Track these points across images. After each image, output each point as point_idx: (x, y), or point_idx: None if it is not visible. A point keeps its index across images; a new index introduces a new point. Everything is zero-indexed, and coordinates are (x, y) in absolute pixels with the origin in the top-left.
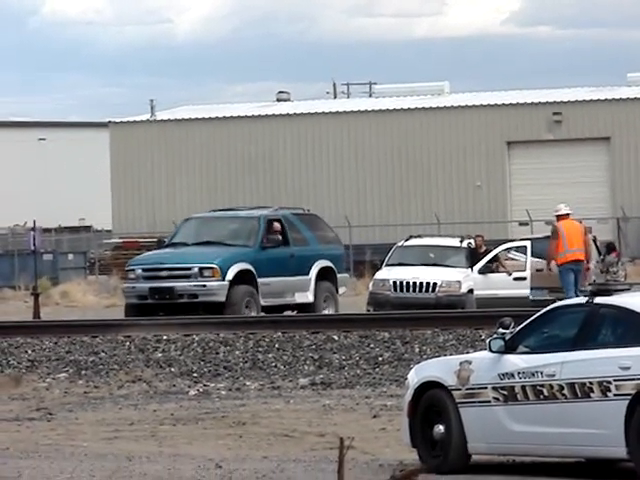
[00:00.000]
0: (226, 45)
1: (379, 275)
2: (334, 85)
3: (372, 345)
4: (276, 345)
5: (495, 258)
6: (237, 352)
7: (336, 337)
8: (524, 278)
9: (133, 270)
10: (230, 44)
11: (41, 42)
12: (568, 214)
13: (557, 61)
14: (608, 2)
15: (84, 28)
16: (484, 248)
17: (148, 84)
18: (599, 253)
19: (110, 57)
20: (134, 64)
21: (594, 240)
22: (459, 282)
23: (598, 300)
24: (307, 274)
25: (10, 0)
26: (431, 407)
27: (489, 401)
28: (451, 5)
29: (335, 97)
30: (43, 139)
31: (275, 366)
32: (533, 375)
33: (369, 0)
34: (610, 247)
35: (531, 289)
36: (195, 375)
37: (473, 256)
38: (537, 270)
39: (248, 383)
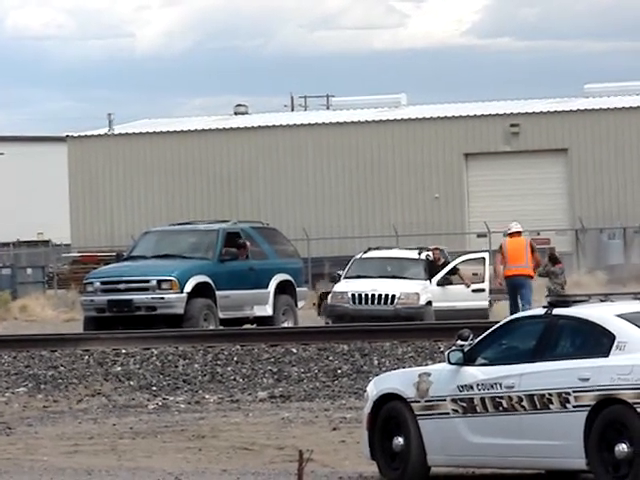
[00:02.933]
0: (186, 59)
1: (337, 287)
2: (292, 98)
3: (331, 358)
4: (235, 358)
5: (453, 270)
6: (196, 365)
7: (295, 350)
8: (483, 290)
9: (91, 283)
10: (190, 58)
11: (1, 56)
12: (519, 232)
13: (516, 72)
14: (567, 14)
15: (44, 43)
16: (442, 260)
17: (107, 98)
18: (553, 264)
19: (70, 71)
20: (94, 78)
21: (553, 250)
22: (417, 294)
23: (557, 311)
24: (266, 287)
25: None
26: (390, 419)
27: (448, 413)
28: (413, 17)
29: (293, 110)
30: (1, 153)
31: (234, 379)
32: (492, 387)
33: (330, 13)
34: (553, 258)
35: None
36: (154, 389)
37: (431, 269)
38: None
39: (207, 396)
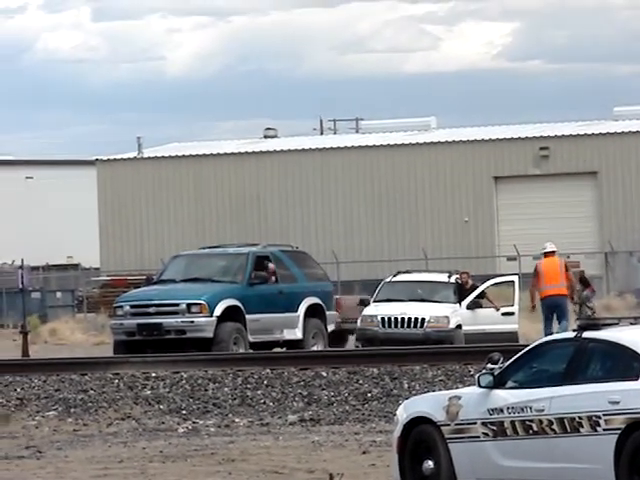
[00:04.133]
0: (217, 82)
1: (367, 311)
2: (321, 121)
3: (361, 381)
4: (265, 382)
5: (482, 294)
6: (226, 389)
7: (325, 373)
8: (512, 313)
9: (121, 307)
10: (221, 81)
11: (31, 79)
12: (553, 252)
13: (546, 95)
14: (597, 37)
15: (75, 66)
16: (470, 283)
17: (137, 121)
18: (584, 287)
19: (100, 94)
20: (125, 101)
21: (582, 274)
22: (447, 317)
23: (586, 334)
24: (296, 311)
25: (5, 36)
26: (420, 443)
27: (478, 436)
28: (445, 40)
29: (322, 133)
30: (30, 177)
31: (264, 403)
32: (522, 410)
33: (361, 36)
34: (584, 281)
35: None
36: (184, 412)
37: (460, 292)
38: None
39: (237, 420)
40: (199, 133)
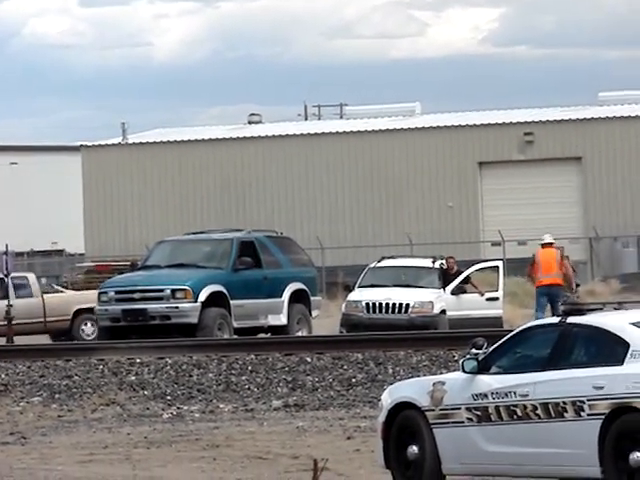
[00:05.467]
0: (204, 68)
1: (352, 297)
2: (305, 107)
3: (345, 367)
4: (249, 367)
5: (467, 279)
6: (210, 375)
7: (309, 359)
8: (497, 298)
9: (106, 293)
10: (208, 67)
11: (17, 65)
12: (551, 243)
13: (531, 81)
14: (583, 22)
15: (62, 51)
16: (455, 269)
17: (124, 107)
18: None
19: (87, 80)
20: (111, 87)
21: (567, 259)
22: (432, 303)
23: (571, 319)
24: (280, 296)
25: None
26: (405, 428)
27: (463, 422)
28: (432, 25)
29: (306, 119)
30: (15, 163)
31: (248, 388)
32: (506, 395)
33: (349, 22)
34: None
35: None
36: (168, 398)
37: (445, 277)
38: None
39: (221, 405)
40: (186, 119)
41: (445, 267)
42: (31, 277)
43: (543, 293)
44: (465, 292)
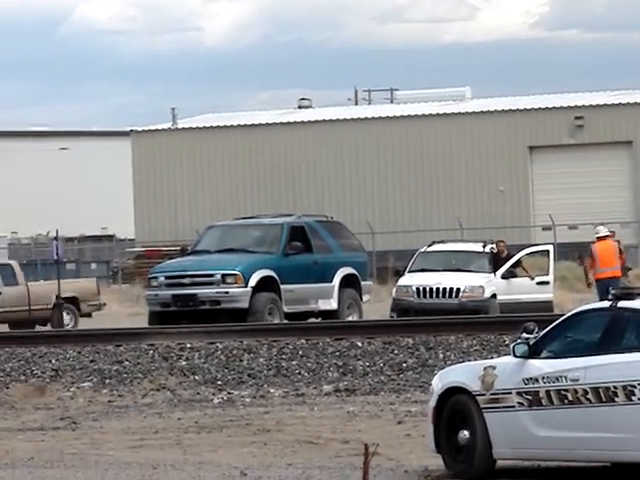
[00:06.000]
0: (255, 52)
1: (402, 281)
2: (355, 92)
3: (396, 351)
4: (300, 352)
5: (518, 263)
6: (261, 359)
7: (360, 344)
8: (547, 282)
9: (156, 278)
10: (259, 51)
11: (67, 50)
12: (606, 236)
13: (582, 65)
14: (635, 5)
15: (111, 37)
16: (506, 253)
17: (174, 92)
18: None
19: (137, 65)
20: (161, 72)
21: (618, 244)
22: (482, 287)
23: (622, 304)
24: (331, 281)
25: (41, 7)
26: (456, 413)
27: (513, 406)
28: (482, 10)
29: (356, 104)
30: (65, 148)
31: (299, 373)
32: (557, 380)
33: (400, 6)
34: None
35: None
36: (219, 383)
37: (495, 262)
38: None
39: (272, 390)
40: (236, 104)
41: (495, 251)
42: (15, 265)
43: (604, 286)
44: (516, 276)
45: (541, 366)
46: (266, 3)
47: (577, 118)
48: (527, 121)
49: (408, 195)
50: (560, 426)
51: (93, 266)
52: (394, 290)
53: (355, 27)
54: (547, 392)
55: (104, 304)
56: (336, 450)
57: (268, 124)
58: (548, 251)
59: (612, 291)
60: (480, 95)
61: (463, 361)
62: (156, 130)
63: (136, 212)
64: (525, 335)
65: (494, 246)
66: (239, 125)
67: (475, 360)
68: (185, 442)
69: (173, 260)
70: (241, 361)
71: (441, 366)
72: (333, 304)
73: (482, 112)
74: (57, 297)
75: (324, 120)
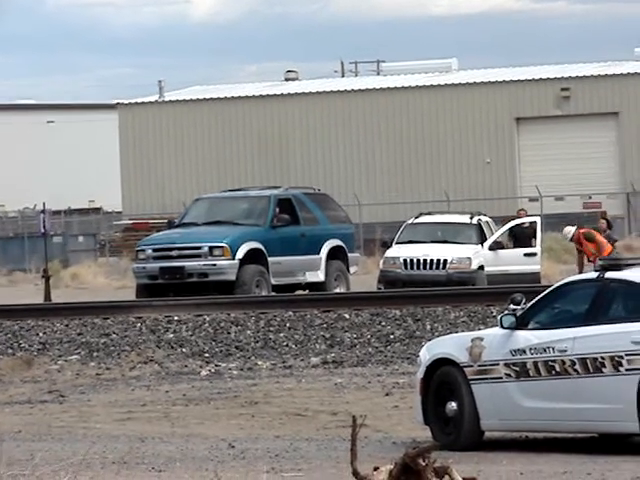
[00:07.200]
0: (241, 25)
1: (389, 253)
2: (342, 64)
3: (383, 323)
4: (287, 324)
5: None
6: (248, 332)
7: (347, 315)
8: (534, 254)
9: (143, 250)
10: (246, 24)
11: (54, 23)
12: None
13: (568, 36)
14: None
15: (99, 9)
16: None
17: (161, 65)
18: (610, 227)
19: (124, 38)
20: (148, 45)
21: (605, 214)
22: (469, 259)
23: (609, 275)
24: (318, 253)
25: None
26: (443, 384)
27: (501, 377)
28: None
29: (343, 76)
30: (52, 121)
31: (286, 345)
32: (545, 351)
33: None
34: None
35: None
36: (207, 355)
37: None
38: None
39: (260, 363)
40: (223, 77)
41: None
42: None
43: None
44: (503, 247)
45: (528, 337)
46: None
47: (563, 89)
48: (514, 92)
49: (395, 167)
50: (548, 397)
51: (80, 239)
52: (381, 262)
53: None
54: (535, 363)
55: None
56: (324, 422)
57: (255, 96)
58: (535, 222)
59: (599, 262)
60: (467, 67)
61: (450, 333)
62: (143, 103)
63: (123, 185)
64: (512, 306)
65: (481, 217)
66: (226, 97)
67: (463, 332)
68: (173, 415)
69: (160, 233)
70: (229, 333)
71: (428, 338)
72: (320, 276)
73: (469, 84)
74: (44, 271)
75: (311, 92)
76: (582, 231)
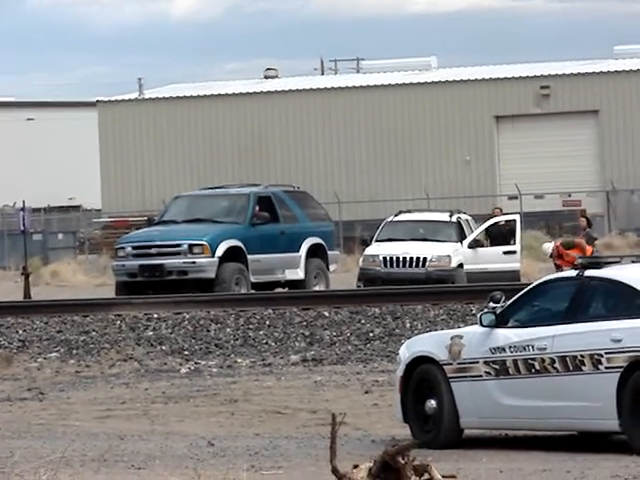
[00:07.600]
0: (221, 23)
1: (369, 251)
2: (322, 62)
3: (363, 321)
4: (267, 322)
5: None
6: (228, 329)
7: (327, 313)
8: (514, 252)
9: (123, 248)
10: (226, 22)
11: (34, 21)
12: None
13: (547, 34)
14: None
15: (80, 7)
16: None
17: (141, 63)
18: (589, 225)
19: (104, 36)
20: (128, 43)
21: (584, 213)
22: (449, 257)
23: (588, 273)
24: (297, 251)
25: None
26: (423, 382)
27: (481, 375)
28: None
29: (323, 74)
30: (32, 119)
31: (266, 343)
32: (524, 349)
33: None
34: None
35: None
36: (186, 353)
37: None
38: None
39: (239, 360)
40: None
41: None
42: None
43: None
44: (482, 246)
45: (508, 335)
46: None
47: (543, 87)
48: (493, 91)
49: (375, 165)
50: (527, 395)
51: (60, 237)
52: (361, 260)
53: None
54: (514, 361)
55: None
56: (303, 420)
57: (235, 94)
58: (514, 220)
59: (579, 260)
60: (446, 65)
61: (430, 330)
62: (122, 100)
63: (103, 182)
64: (492, 304)
65: (460, 216)
66: (205, 95)
67: (442, 329)
68: (152, 412)
69: (140, 230)
70: (208, 331)
71: (408, 335)
72: (300, 274)
73: (448, 82)
74: (24, 268)
75: (290, 90)
76: (559, 243)
